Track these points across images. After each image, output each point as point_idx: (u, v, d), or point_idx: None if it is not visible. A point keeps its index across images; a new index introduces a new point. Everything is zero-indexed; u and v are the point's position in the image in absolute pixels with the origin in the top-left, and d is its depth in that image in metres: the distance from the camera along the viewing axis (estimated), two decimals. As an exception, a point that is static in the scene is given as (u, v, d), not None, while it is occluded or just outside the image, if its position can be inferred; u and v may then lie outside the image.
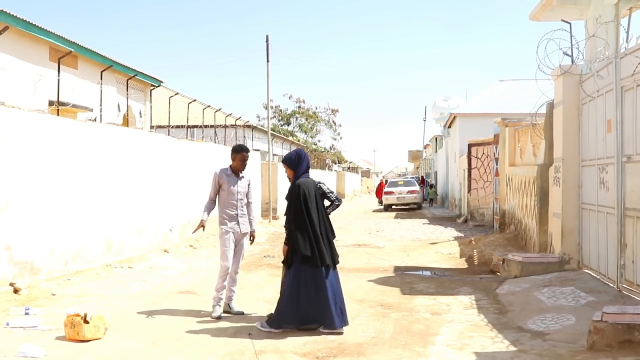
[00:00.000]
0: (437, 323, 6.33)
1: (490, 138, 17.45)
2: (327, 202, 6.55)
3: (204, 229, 6.78)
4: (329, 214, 6.56)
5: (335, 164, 56.68)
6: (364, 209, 32.06)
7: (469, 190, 20.77)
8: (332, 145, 54.09)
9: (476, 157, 20.48)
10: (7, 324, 5.90)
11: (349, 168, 63.20)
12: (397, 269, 10.42)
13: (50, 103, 11.10)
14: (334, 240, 6.17)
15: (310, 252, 5.71)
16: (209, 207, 6.80)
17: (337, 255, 6.01)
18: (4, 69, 9.81)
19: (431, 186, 35.91)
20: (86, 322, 5.49)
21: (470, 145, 20.74)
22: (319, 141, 51.30)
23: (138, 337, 5.76)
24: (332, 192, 6.54)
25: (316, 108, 50.69)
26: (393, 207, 30.37)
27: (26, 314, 6.29)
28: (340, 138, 54.62)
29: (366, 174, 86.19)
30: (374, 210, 30.12)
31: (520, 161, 13.46)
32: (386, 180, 36.51)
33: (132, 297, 7.64)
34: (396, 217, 24.73)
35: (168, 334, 5.88)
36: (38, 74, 11.08)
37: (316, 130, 50.58)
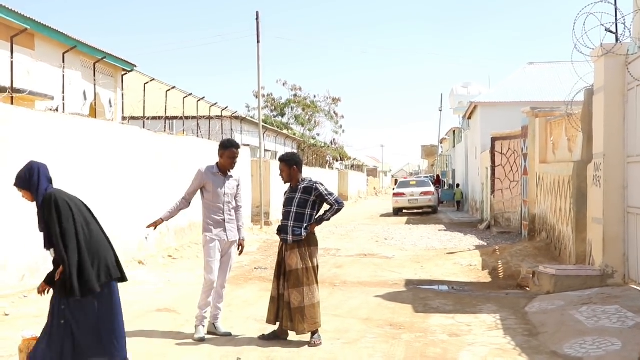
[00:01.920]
0: (456, 346, 6.29)
1: (518, 131, 17.43)
2: (325, 206, 6.55)
3: (154, 229, 6.75)
4: (328, 219, 6.57)
5: (337, 161, 56.70)
6: (370, 213, 32.07)
7: (493, 191, 20.75)
8: (333, 139, 54.13)
9: (501, 153, 20.46)
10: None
11: (352, 166, 63.23)
12: (408, 282, 10.40)
13: (2, 90, 11.04)
14: None
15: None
16: (178, 207, 6.80)
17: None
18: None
19: (457, 185, 35.61)
20: (46, 346, 5.41)
21: (493, 139, 20.72)
22: (317, 135, 51.32)
23: (107, 363, 5.69)
24: (330, 195, 6.55)
25: (314, 97, 50.71)
26: (404, 211, 30.37)
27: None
28: (343, 131, 54.54)
29: (373, 172, 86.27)
30: (382, 215, 30.13)
31: (553, 157, 13.43)
32: (396, 180, 36.54)
33: (101, 317, 7.57)
34: (407, 222, 24.73)
35: (142, 360, 5.83)
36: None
37: (315, 122, 50.57)
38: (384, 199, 53.40)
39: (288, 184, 6.72)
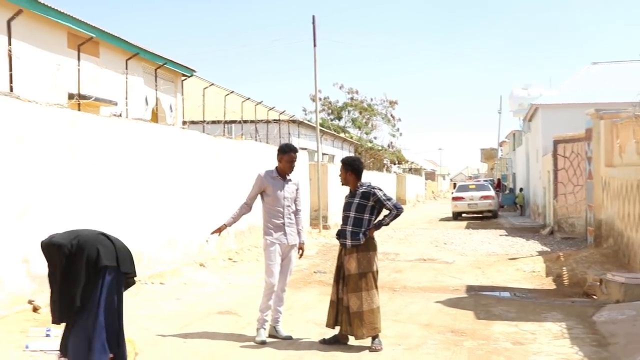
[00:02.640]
0: (520, 355, 6.18)
1: (581, 133, 16.96)
2: (384, 212, 6.54)
3: (219, 234, 6.86)
4: (387, 224, 6.55)
5: (394, 164, 56.34)
6: (429, 217, 31.78)
7: (555, 196, 20.25)
8: (391, 142, 53.76)
9: (564, 156, 19.95)
10: (27, 347, 6.10)
11: (410, 169, 62.70)
12: (469, 288, 10.27)
13: (70, 96, 11.45)
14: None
15: None
16: (240, 212, 6.93)
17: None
18: (18, 58, 10.19)
19: (520, 189, 34.82)
20: (114, 345, 5.60)
21: (556, 142, 20.22)
22: (375, 138, 51.09)
23: (172, 364, 5.86)
24: (389, 200, 6.53)
25: (371, 100, 50.47)
26: (463, 215, 29.97)
27: (47, 335, 6.47)
28: (400, 134, 54.04)
29: (431, 176, 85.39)
30: (441, 219, 29.81)
31: (619, 161, 13.02)
32: (454, 184, 36.08)
33: (165, 318, 7.80)
34: (467, 227, 24.40)
35: (206, 361, 5.95)
36: (56, 64, 11.46)
37: (372, 125, 50.37)
38: (442, 202, 52.81)
39: (348, 189, 6.75)
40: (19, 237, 7.47)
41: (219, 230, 6.88)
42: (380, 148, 50.49)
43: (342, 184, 6.75)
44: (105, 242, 5.14)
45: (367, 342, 6.45)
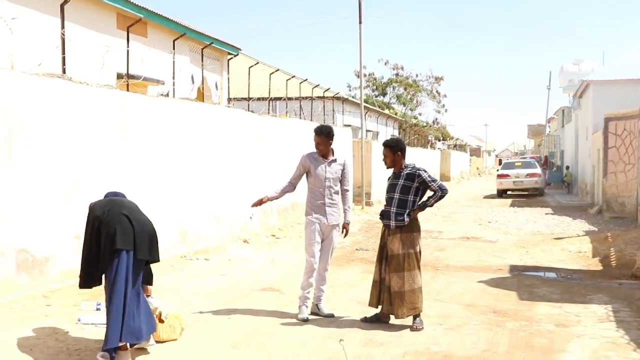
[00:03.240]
0: (563, 337, 6.12)
1: (634, 110, 16.45)
2: (429, 193, 6.52)
3: (260, 205, 6.88)
4: (431, 205, 6.54)
5: (439, 140, 55.75)
6: (473, 194, 31.43)
7: (605, 174, 19.75)
8: (436, 119, 53.18)
9: (615, 134, 19.40)
10: (79, 320, 6.34)
11: (455, 146, 61.98)
12: (513, 268, 10.17)
13: (119, 76, 11.65)
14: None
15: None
16: (283, 189, 6.96)
17: None
18: (70, 41, 10.40)
19: (567, 167, 34.08)
20: (161, 321, 5.78)
21: (607, 120, 19.66)
22: (419, 114, 50.57)
23: (217, 339, 6.02)
24: (434, 181, 6.52)
25: (417, 76, 49.89)
26: (508, 192, 29.53)
27: (97, 309, 6.72)
28: (445, 110, 53.35)
29: (476, 152, 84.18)
30: (485, 197, 29.44)
31: (673, 139, 12.60)
32: (500, 160, 35.53)
33: (210, 294, 7.97)
34: (512, 205, 24.05)
35: (250, 338, 6.10)
36: (106, 45, 11.67)
37: (417, 101, 49.83)
38: (487, 179, 52.09)
39: (391, 169, 6.74)
40: (70, 215, 7.71)
41: (260, 202, 6.88)
42: (424, 124, 50.00)
43: (388, 167, 6.73)
44: (125, 225, 5.20)
45: (408, 321, 6.49)
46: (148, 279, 5.55)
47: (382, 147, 6.78)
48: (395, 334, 6.24)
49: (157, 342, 5.71)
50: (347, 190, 7.07)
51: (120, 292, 5.12)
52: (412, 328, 6.38)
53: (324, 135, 6.86)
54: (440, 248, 12.35)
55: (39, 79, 7.33)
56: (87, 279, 5.38)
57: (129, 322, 5.11)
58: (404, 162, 6.66)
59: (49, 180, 7.45)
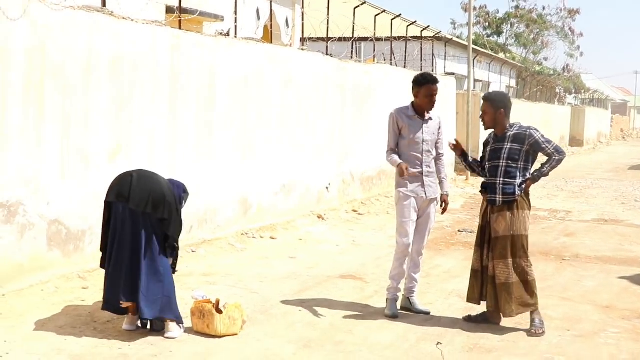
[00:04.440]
0: None
1: None
2: (543, 158, 6.40)
3: (407, 171, 6.67)
4: (546, 174, 6.47)
5: (570, 94, 54.19)
6: (614, 163, 30.54)
7: None
8: (567, 65, 51.58)
9: None
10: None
11: (591, 100, 60.08)
12: (667, 261, 9.87)
13: (169, 10, 11.81)
14: None
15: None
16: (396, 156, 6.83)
17: None
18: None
19: None
20: (219, 311, 5.97)
21: None
22: (545, 59, 49.21)
23: (286, 335, 6.16)
24: (548, 142, 6.41)
25: (543, 9, 48.54)
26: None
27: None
28: (580, 54, 51.76)
29: (620, 109, 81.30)
30: (631, 167, 28.50)
31: None
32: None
33: (277, 280, 8.14)
34: (666, 178, 23.21)
35: (326, 335, 6.21)
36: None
37: (542, 42, 48.49)
38: (634, 145, 50.42)
39: (492, 132, 6.61)
40: (111, 178, 7.98)
41: (404, 168, 6.62)
42: (551, 72, 48.64)
43: (487, 127, 6.60)
44: (124, 180, 5.97)
45: (524, 323, 6.43)
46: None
47: (482, 102, 6.66)
48: (507, 339, 6.21)
49: (213, 336, 5.91)
50: (442, 155, 7.03)
51: (115, 248, 5.89)
52: (530, 332, 6.33)
53: (432, 83, 6.80)
54: (568, 232, 12.12)
55: (74, 13, 7.55)
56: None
57: (119, 284, 5.85)
58: (508, 122, 6.54)
59: (86, 137, 7.74)
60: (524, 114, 25.51)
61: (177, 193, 6.17)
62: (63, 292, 7.08)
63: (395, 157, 6.77)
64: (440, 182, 7.01)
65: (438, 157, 6.99)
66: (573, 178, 21.78)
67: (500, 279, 6.39)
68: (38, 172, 7.18)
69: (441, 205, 7.04)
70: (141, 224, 5.83)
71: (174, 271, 6.20)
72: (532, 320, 6.41)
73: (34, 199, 7.14)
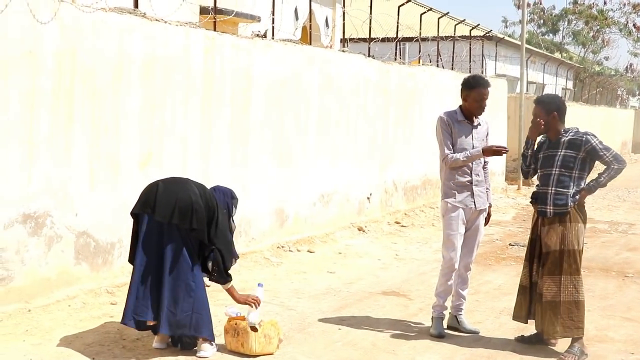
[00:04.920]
0: None
1: None
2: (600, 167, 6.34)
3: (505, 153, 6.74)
4: (604, 184, 6.39)
5: (633, 96, 53.56)
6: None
7: None
8: (630, 65, 51.08)
9: None
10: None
11: (657, 103, 59.26)
12: None
13: (203, 11, 11.95)
14: None
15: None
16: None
17: None
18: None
19: None
20: (253, 329, 6.02)
21: None
22: (605, 59, 48.80)
23: (325, 355, 6.20)
24: (607, 150, 6.32)
25: (604, 4, 48.01)
26: None
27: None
28: (646, 52, 51.10)
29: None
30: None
31: None
32: None
33: (315, 296, 8.19)
34: None
35: (367, 355, 6.23)
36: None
37: (603, 40, 48.03)
38: None
39: (546, 138, 6.56)
40: (141, 190, 8.11)
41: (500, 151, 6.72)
42: (613, 73, 48.16)
43: (539, 133, 6.53)
44: (151, 189, 6.05)
45: (586, 343, 6.35)
46: (219, 277, 6.22)
47: (533, 105, 6.61)
48: (562, 362, 6.17)
49: (248, 355, 5.97)
50: (488, 163, 7.03)
51: (140, 262, 5.89)
52: (561, 358, 6.22)
53: (483, 87, 6.81)
54: (631, 247, 11.99)
55: (106, 15, 7.70)
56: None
57: (143, 300, 5.85)
58: (563, 127, 6.48)
59: (117, 145, 7.87)
60: (582, 118, 25.29)
61: (222, 200, 6.20)
62: (91, 308, 7.20)
63: (461, 154, 6.72)
64: (486, 193, 6.99)
65: (484, 166, 6.99)
66: (636, 188, 21.50)
67: (546, 297, 6.33)
68: (66, 182, 7.32)
69: (485, 217, 7.03)
70: (166, 235, 5.86)
71: (225, 280, 6.23)
72: (572, 345, 6.28)
73: (62, 209, 7.28)
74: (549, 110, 6.46)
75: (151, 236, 5.89)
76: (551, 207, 6.37)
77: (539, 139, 6.64)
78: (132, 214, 6.06)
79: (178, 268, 5.87)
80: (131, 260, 6.16)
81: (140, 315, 5.86)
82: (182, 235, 5.88)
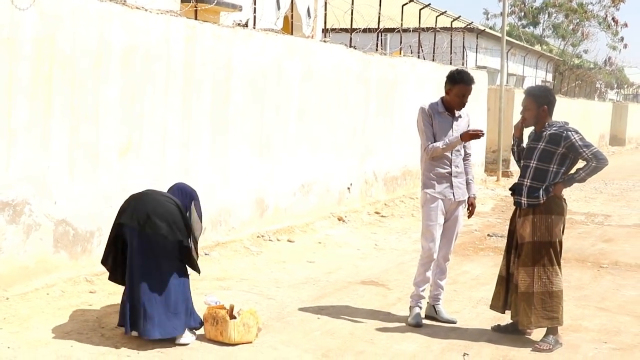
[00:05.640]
0: None
1: None
2: (580, 163, 6.36)
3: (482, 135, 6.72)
4: (581, 180, 6.41)
5: (612, 89, 53.87)
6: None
7: None
8: (609, 58, 51.43)
9: None
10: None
11: (634, 96, 59.66)
12: None
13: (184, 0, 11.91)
14: None
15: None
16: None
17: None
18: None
19: None
20: (233, 317, 6.03)
21: None
22: (584, 52, 49.05)
23: (303, 344, 6.22)
24: (587, 147, 6.30)
25: (584, -3, 48.20)
26: None
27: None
28: (624, 46, 51.46)
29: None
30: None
31: None
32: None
33: (294, 286, 8.20)
34: None
35: (345, 344, 6.26)
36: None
37: (582, 34, 48.26)
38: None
39: (532, 130, 6.58)
40: (121, 178, 8.09)
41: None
42: (592, 66, 48.43)
43: (528, 125, 6.56)
44: (132, 201, 6.13)
45: (560, 332, 6.40)
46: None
47: (524, 96, 6.62)
48: (538, 354, 6.20)
49: (226, 344, 5.97)
50: (470, 155, 7.07)
51: (130, 272, 5.97)
52: (535, 346, 6.27)
53: (467, 83, 6.80)
54: (606, 238, 12.08)
55: (86, 2, 7.62)
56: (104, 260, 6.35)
57: (138, 310, 5.88)
58: (550, 120, 6.49)
59: (96, 133, 7.82)
60: (560, 110, 25.35)
61: (182, 202, 6.20)
62: (70, 296, 7.17)
63: (439, 142, 6.74)
64: (468, 184, 7.01)
65: (466, 157, 7.02)
66: (613, 180, 21.65)
67: (520, 288, 6.38)
68: (45, 170, 7.27)
69: (468, 209, 7.07)
70: (150, 245, 5.95)
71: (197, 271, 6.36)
72: (546, 335, 6.33)
73: (41, 197, 7.24)
74: (540, 103, 6.46)
75: (133, 246, 5.98)
76: (525, 199, 6.41)
77: (530, 129, 6.65)
78: (117, 223, 6.09)
79: (164, 275, 5.99)
80: (104, 262, 6.28)
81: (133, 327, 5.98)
82: (165, 245, 5.97)
